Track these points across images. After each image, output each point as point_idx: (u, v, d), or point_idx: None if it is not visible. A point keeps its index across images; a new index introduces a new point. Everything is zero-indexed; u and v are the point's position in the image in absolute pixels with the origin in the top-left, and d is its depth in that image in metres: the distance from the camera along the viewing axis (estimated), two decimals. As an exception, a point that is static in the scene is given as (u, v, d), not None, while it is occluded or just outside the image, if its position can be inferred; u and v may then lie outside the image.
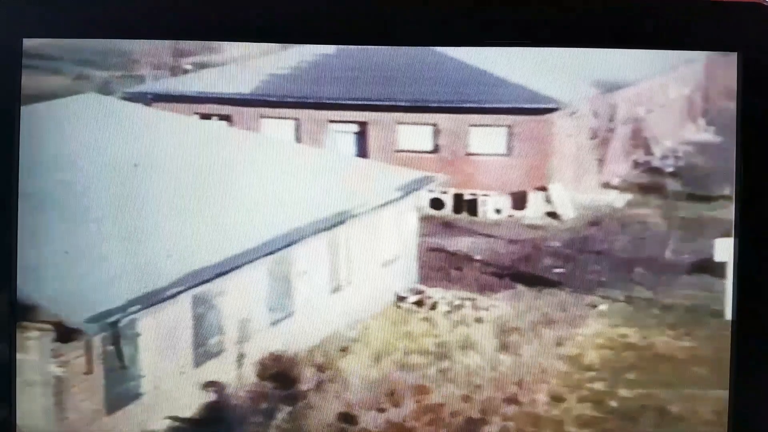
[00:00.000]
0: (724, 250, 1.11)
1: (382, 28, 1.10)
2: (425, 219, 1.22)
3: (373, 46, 1.13)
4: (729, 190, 1.10)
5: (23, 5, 1.11)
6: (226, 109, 1.20)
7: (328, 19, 1.10)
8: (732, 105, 1.09)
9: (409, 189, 1.24)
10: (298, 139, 1.23)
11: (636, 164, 1.18)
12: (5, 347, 1.09)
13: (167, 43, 1.15)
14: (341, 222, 1.21)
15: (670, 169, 1.16)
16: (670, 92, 1.17)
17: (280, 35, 1.11)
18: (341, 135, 1.25)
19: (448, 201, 1.24)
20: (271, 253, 1.19)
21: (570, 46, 1.09)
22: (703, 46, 1.08)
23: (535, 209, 1.22)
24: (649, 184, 1.17)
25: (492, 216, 1.23)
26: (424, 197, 1.23)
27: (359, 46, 1.15)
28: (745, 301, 1.08)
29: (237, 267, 1.17)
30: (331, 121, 1.24)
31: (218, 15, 1.11)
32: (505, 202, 1.23)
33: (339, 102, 1.20)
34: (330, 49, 1.17)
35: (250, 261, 1.18)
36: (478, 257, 1.21)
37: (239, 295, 1.19)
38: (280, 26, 1.10)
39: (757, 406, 1.07)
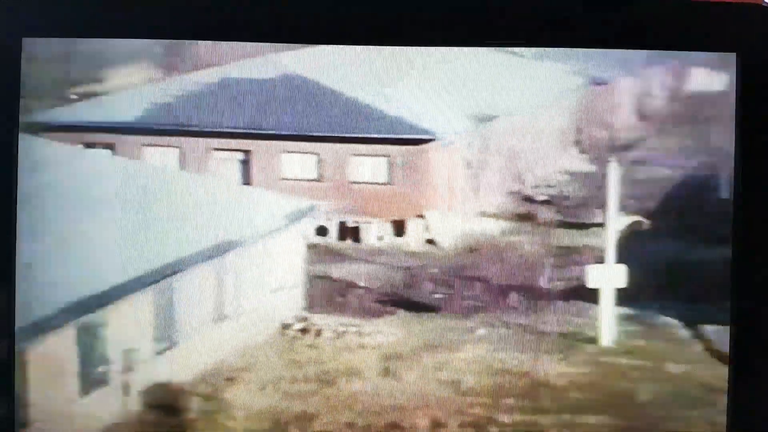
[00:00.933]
0: (596, 276, 1.15)
1: (379, 27, 1.11)
2: (310, 246, 1.23)
3: (258, 77, 1.14)
4: (601, 217, 1.14)
5: (23, 5, 1.11)
6: (109, 138, 1.19)
7: (323, 18, 1.11)
8: (605, 134, 1.13)
9: (294, 217, 1.25)
10: (182, 167, 1.22)
11: (510, 193, 1.22)
12: (5, 347, 1.10)
13: (52, 72, 1.14)
14: (227, 250, 1.21)
15: (543, 198, 1.20)
16: (542, 123, 1.21)
17: (273, 35, 1.13)
18: (226, 163, 1.25)
19: (333, 228, 1.25)
20: (156, 281, 1.18)
21: (568, 47, 1.11)
22: (702, 47, 1.09)
23: (414, 236, 1.24)
24: (523, 212, 1.20)
25: (374, 243, 1.25)
26: (308, 225, 1.24)
27: (243, 77, 1.16)
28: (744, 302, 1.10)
29: (122, 296, 1.15)
30: (216, 149, 1.23)
31: (215, 15, 1.12)
32: (387, 230, 1.25)
33: (223, 130, 1.20)
34: (214, 77, 1.17)
35: (136, 290, 1.17)
36: (361, 284, 1.22)
37: (124, 324, 1.18)
38: (273, 26, 1.12)
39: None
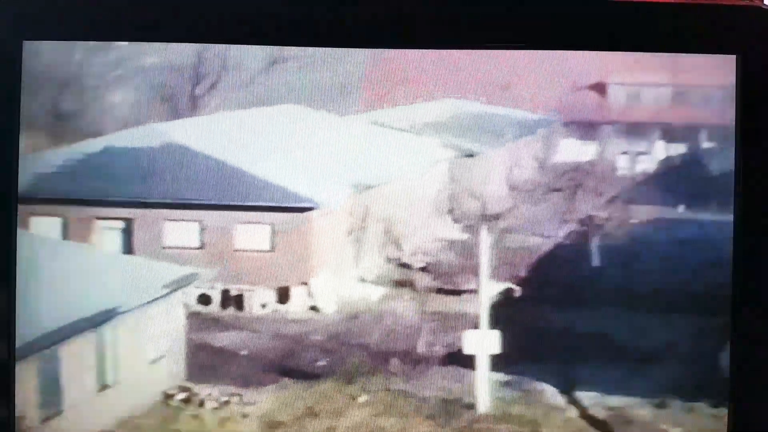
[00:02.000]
0: (472, 342, 1.18)
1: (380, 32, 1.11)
2: (193, 315, 1.23)
3: (141, 146, 1.15)
4: (475, 284, 1.17)
5: (23, 7, 1.11)
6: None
7: (323, 22, 1.12)
8: (477, 204, 1.17)
9: (177, 285, 1.25)
10: (65, 237, 1.21)
11: (388, 260, 1.24)
12: (5, 347, 1.10)
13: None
14: (108, 320, 1.20)
15: (420, 265, 1.23)
16: (419, 191, 1.24)
17: (276, 38, 1.13)
18: (108, 232, 1.24)
19: (216, 296, 1.25)
20: (39, 350, 1.16)
21: (567, 49, 1.11)
22: (702, 48, 1.09)
23: (298, 304, 1.25)
24: (402, 278, 1.23)
25: (258, 311, 1.25)
26: (191, 293, 1.24)
27: (126, 146, 1.16)
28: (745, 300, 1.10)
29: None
30: (98, 218, 1.23)
31: (216, 17, 1.12)
32: (271, 297, 1.26)
33: (105, 199, 1.20)
34: (98, 146, 1.17)
35: (21, 358, 1.15)
36: (244, 352, 1.22)
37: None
38: (277, 29, 1.12)
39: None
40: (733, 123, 1.09)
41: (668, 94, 1.15)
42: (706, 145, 1.15)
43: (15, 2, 1.12)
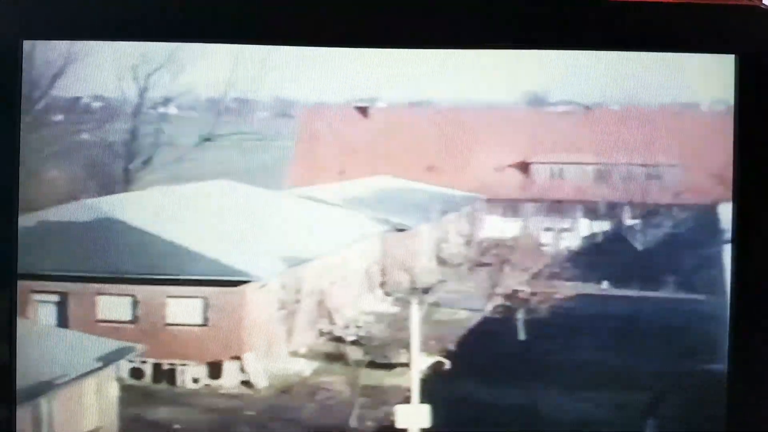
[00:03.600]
0: (403, 416, 1.18)
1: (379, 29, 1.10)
2: (125, 389, 1.23)
3: (75, 220, 1.15)
4: (406, 357, 1.18)
5: (23, 6, 1.10)
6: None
7: (321, 20, 1.10)
8: (407, 278, 1.18)
9: (109, 359, 1.24)
10: (0, 310, 1.21)
11: (321, 333, 1.25)
12: (5, 347, 1.09)
13: None
14: (41, 393, 1.19)
15: (352, 338, 1.24)
16: (351, 265, 1.26)
17: (276, 37, 1.11)
18: (43, 305, 1.24)
19: (148, 370, 1.25)
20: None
21: (566, 49, 1.10)
22: (701, 48, 1.09)
23: (230, 378, 1.25)
24: (333, 352, 1.23)
25: (190, 385, 1.25)
26: (124, 367, 1.23)
27: (60, 220, 1.17)
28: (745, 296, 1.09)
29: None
30: (33, 291, 1.23)
31: (217, 16, 1.10)
32: (203, 372, 1.26)
33: (40, 273, 1.20)
34: (32, 221, 1.17)
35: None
36: (177, 426, 1.22)
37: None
38: (276, 28, 1.10)
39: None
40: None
41: (591, 172, 1.18)
42: (628, 222, 1.17)
43: (15, 1, 1.12)
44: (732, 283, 1.08)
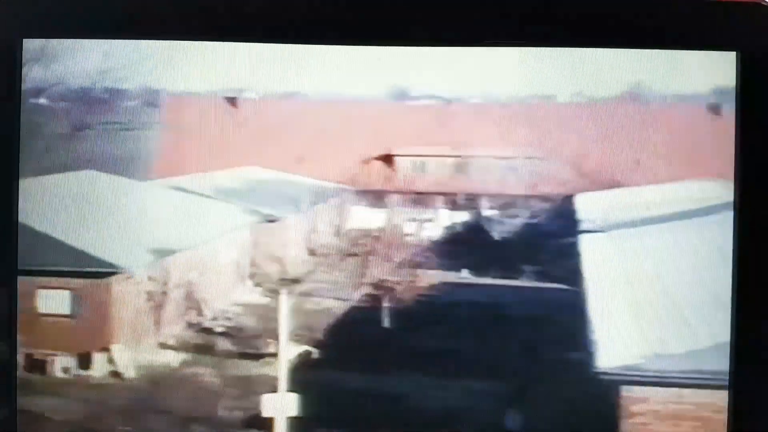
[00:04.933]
0: (270, 405, 1.19)
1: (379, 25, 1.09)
2: (-3, 379, 1.21)
3: None
4: (274, 347, 1.19)
5: (23, 5, 1.10)
6: None
7: (324, 17, 1.09)
8: (277, 269, 1.19)
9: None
10: None
11: (189, 325, 1.25)
12: (5, 347, 1.09)
13: None
14: None
15: (221, 329, 1.24)
16: (220, 256, 1.26)
17: (280, 35, 1.10)
18: None
19: (20, 361, 1.23)
20: None
21: (565, 46, 1.10)
22: (702, 45, 1.08)
23: (99, 369, 1.24)
24: (202, 343, 1.24)
25: (60, 375, 1.24)
26: (-6, 357, 1.21)
27: None
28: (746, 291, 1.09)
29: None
30: None
31: (220, 14, 1.10)
32: (72, 362, 1.25)
33: None
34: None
35: None
36: (48, 415, 1.21)
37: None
38: (280, 25, 1.09)
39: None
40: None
41: (450, 165, 1.21)
42: (487, 212, 1.20)
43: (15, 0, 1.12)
44: (733, 283, 1.09)
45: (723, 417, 1.09)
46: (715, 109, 1.11)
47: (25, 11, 1.12)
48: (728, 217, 1.09)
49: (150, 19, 1.12)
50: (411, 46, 1.11)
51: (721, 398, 1.10)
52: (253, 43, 1.13)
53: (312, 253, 1.25)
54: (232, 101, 1.21)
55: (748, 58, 1.07)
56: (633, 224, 1.19)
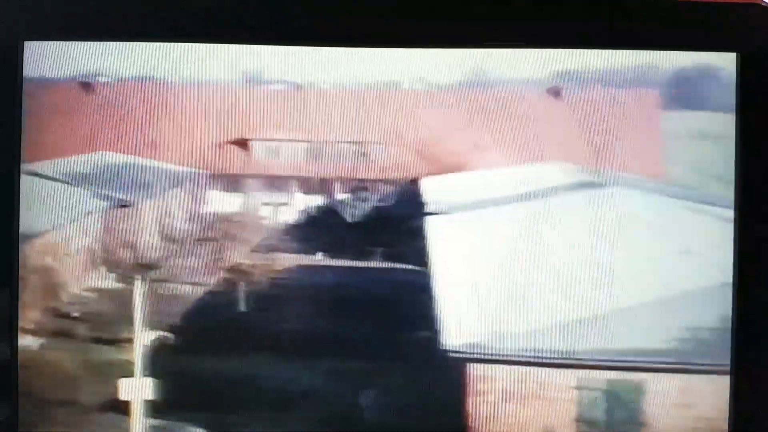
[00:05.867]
0: (128, 388, 1.20)
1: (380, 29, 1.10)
2: None
3: None
4: (128, 332, 1.19)
5: (23, 7, 1.12)
6: None
7: (324, 21, 1.11)
8: (131, 254, 1.19)
9: None
10: None
11: (46, 309, 1.24)
12: (5, 347, 1.12)
13: None
14: None
15: (77, 315, 1.24)
16: (74, 241, 1.25)
17: (278, 38, 1.12)
18: None
19: None
20: None
21: (566, 47, 1.11)
22: (703, 46, 1.10)
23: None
24: (59, 328, 1.23)
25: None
26: None
27: None
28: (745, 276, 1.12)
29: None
30: None
31: (219, 16, 1.12)
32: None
33: None
34: None
35: None
36: None
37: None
38: (279, 28, 1.11)
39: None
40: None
41: (303, 149, 1.23)
42: (339, 196, 1.23)
43: (15, 2, 1.13)
44: (735, 283, 1.12)
45: (569, 395, 1.14)
46: (555, 93, 1.15)
47: (26, 13, 1.13)
48: (567, 198, 1.13)
49: (146, 20, 1.14)
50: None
51: (565, 377, 1.14)
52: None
53: (166, 238, 1.25)
54: (86, 87, 1.21)
55: (748, 59, 1.10)
56: (476, 207, 1.22)
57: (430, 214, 1.20)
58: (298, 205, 1.23)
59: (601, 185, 1.18)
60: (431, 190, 1.20)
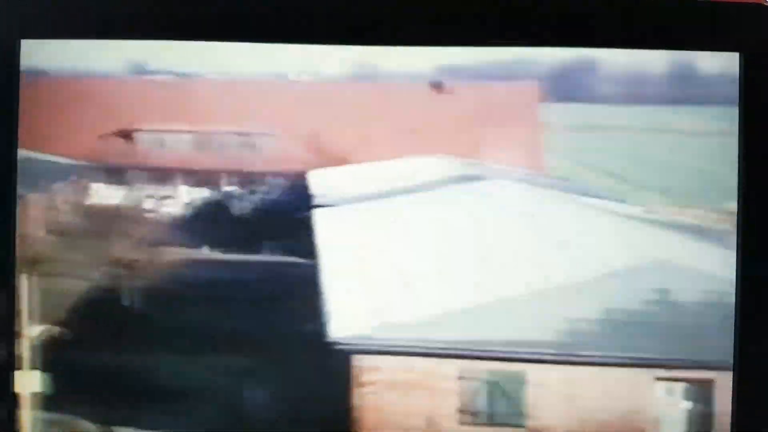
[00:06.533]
0: (17, 382, 1.18)
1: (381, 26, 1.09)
2: None
3: None
4: (18, 326, 1.17)
5: (20, 6, 1.12)
6: None
7: (326, 18, 1.09)
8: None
9: None
10: None
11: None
12: (5, 347, 1.13)
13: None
14: None
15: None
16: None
17: (278, 35, 1.11)
18: None
19: None
20: None
21: (568, 46, 1.10)
22: (705, 46, 1.09)
23: None
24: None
25: None
26: None
27: None
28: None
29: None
30: None
31: (217, 14, 1.11)
32: None
33: None
34: None
35: None
36: None
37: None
38: (279, 25, 1.10)
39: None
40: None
41: (189, 141, 1.21)
42: (226, 188, 1.22)
43: (13, 1, 1.13)
44: (737, 283, 1.12)
45: (452, 386, 1.15)
46: (437, 87, 1.15)
47: (23, 12, 1.13)
48: (450, 191, 1.14)
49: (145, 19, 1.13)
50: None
51: (448, 367, 1.15)
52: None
53: (51, 232, 1.23)
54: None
55: (751, 59, 1.10)
56: (363, 199, 1.22)
57: (318, 206, 1.19)
58: (183, 197, 1.22)
59: (482, 178, 1.19)
60: (318, 183, 1.20)
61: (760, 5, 1.09)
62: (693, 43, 1.10)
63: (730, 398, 1.12)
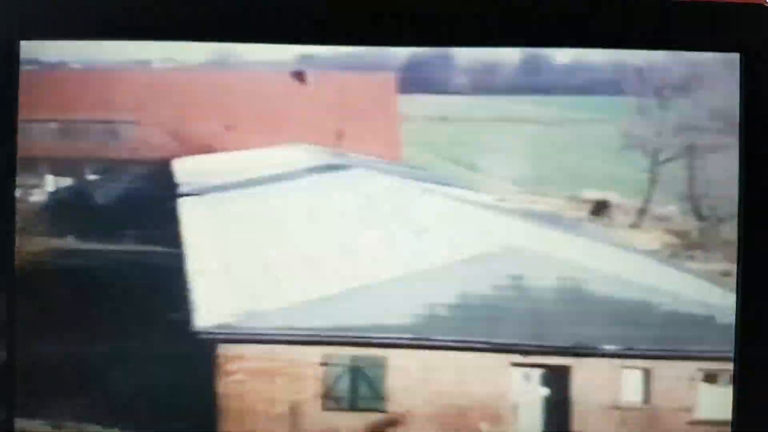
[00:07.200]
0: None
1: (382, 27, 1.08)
2: None
3: None
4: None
5: (19, 7, 1.11)
6: None
7: (326, 19, 1.08)
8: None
9: None
10: None
11: None
12: (5, 347, 1.12)
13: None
14: None
15: None
16: None
17: (276, 36, 1.10)
18: None
19: None
20: None
21: (568, 47, 1.09)
22: (705, 47, 1.08)
23: None
24: None
25: None
26: None
27: None
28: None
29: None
30: None
31: (217, 15, 1.10)
32: None
33: None
34: None
35: None
36: None
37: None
38: (277, 26, 1.09)
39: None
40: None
41: (54, 129, 1.20)
42: (90, 177, 1.21)
43: (12, 1, 1.12)
44: (737, 283, 1.13)
45: (315, 371, 1.16)
46: (299, 76, 1.16)
47: (22, 13, 1.12)
48: (313, 180, 1.16)
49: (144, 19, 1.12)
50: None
51: (311, 354, 1.17)
52: None
53: None
54: None
55: (751, 59, 1.11)
56: (226, 188, 1.23)
57: (182, 195, 1.19)
58: (48, 186, 1.21)
59: (343, 167, 1.21)
60: (183, 172, 1.20)
61: (760, 5, 1.10)
62: (693, 43, 1.11)
63: (586, 385, 1.16)
